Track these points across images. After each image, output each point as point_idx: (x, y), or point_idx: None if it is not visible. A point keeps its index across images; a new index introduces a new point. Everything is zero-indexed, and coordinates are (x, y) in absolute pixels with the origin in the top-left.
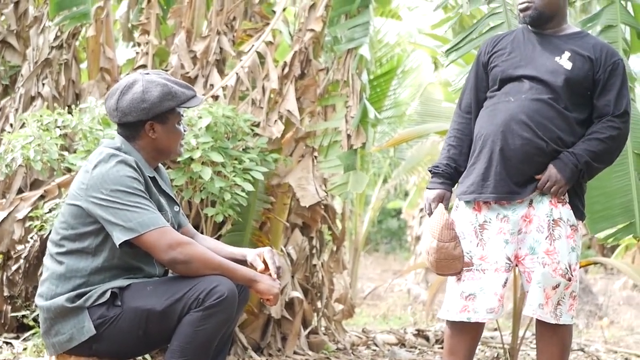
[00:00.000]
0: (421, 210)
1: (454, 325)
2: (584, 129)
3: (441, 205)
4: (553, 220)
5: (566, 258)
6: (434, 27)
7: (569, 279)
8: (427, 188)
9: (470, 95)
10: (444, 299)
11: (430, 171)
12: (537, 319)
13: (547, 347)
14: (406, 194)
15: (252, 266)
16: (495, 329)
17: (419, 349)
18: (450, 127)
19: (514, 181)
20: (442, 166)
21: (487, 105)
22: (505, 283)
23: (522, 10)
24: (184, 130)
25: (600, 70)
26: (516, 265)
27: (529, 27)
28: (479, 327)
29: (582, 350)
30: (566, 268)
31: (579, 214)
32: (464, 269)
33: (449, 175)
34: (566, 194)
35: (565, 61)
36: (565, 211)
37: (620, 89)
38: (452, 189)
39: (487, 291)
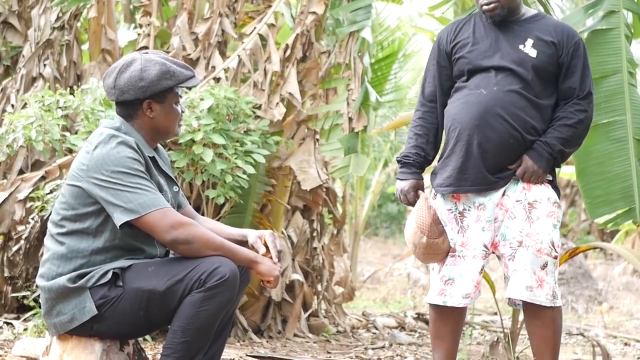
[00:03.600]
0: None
1: (436, 308)
2: (554, 114)
3: (424, 197)
4: (528, 203)
5: (548, 237)
6: (432, 9)
7: (555, 257)
8: (398, 179)
9: (434, 84)
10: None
11: (399, 161)
12: (526, 304)
13: (541, 329)
14: None
15: (253, 248)
16: (495, 313)
17: (419, 333)
18: (414, 117)
19: (491, 173)
20: (412, 155)
21: (458, 97)
22: (482, 270)
23: (488, 11)
24: (182, 111)
25: (563, 53)
26: (492, 252)
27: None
28: (460, 311)
29: (581, 335)
30: (550, 246)
31: (558, 193)
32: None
33: (419, 164)
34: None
35: (529, 49)
36: (543, 190)
37: (583, 69)
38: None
39: (465, 277)
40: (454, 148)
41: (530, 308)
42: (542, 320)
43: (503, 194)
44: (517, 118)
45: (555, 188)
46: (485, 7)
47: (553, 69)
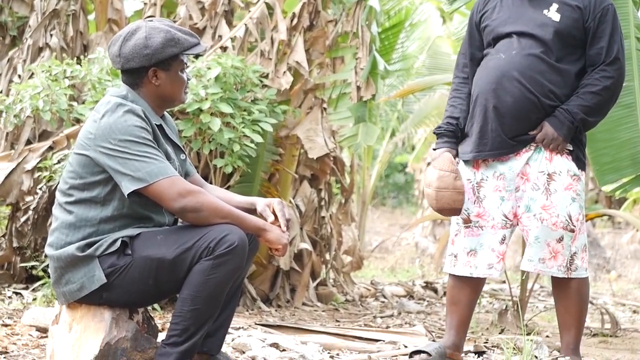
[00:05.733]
0: (428, 164)
1: (456, 277)
2: (579, 80)
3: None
4: (548, 174)
5: (565, 210)
6: None
7: (572, 230)
8: (432, 149)
9: (466, 55)
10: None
11: (434, 133)
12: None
13: (564, 300)
14: (413, 148)
15: (261, 217)
16: (504, 282)
17: (427, 301)
18: (450, 89)
19: (510, 137)
20: (444, 126)
21: (481, 63)
22: (504, 240)
23: None
24: (188, 78)
25: (589, 18)
26: (517, 224)
27: None
28: (480, 280)
29: (590, 302)
30: (567, 220)
31: (581, 164)
32: (464, 225)
33: (451, 133)
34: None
35: (553, 13)
36: (563, 162)
37: (612, 35)
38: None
39: (486, 247)
40: (473, 113)
41: (553, 279)
42: (564, 291)
43: (525, 163)
44: (534, 81)
45: (578, 159)
46: None
47: (578, 34)
